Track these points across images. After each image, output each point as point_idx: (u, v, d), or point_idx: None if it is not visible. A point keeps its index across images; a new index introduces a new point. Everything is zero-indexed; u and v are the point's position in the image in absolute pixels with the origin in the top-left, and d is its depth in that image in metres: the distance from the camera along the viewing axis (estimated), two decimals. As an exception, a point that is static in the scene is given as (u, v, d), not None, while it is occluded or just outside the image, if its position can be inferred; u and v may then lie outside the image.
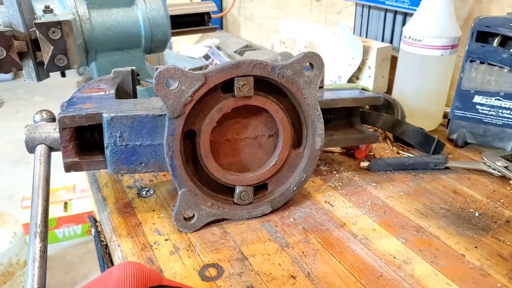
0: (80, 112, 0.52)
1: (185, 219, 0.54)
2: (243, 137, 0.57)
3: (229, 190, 0.57)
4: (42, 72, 0.71)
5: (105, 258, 0.58)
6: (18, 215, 1.90)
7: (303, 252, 0.52)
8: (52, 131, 0.52)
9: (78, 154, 0.53)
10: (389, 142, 0.79)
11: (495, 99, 0.72)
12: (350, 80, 1.02)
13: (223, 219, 0.57)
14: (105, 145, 0.52)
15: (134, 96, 0.66)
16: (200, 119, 0.53)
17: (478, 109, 0.74)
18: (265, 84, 0.54)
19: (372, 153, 0.75)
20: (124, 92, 0.64)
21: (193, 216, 0.54)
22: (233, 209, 0.57)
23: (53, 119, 0.57)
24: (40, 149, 0.51)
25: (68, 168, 0.53)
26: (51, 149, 0.53)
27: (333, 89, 0.77)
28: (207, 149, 0.54)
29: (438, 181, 0.67)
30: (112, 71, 0.63)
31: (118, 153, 0.53)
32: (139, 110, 0.53)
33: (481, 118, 0.75)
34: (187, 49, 1.49)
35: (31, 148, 0.52)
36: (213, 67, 0.51)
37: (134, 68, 0.65)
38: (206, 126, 0.53)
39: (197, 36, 1.62)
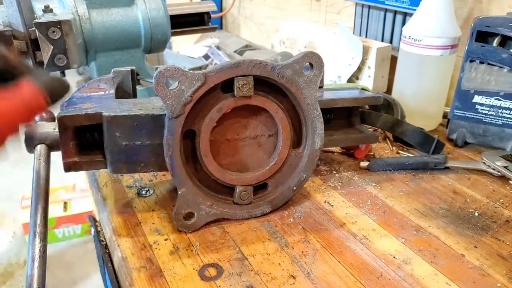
0: (80, 112, 0.52)
1: (185, 218, 0.54)
2: (243, 137, 0.57)
3: (229, 190, 0.57)
4: (41, 72, 0.71)
5: (105, 258, 0.58)
6: (18, 215, 1.90)
7: (302, 252, 0.52)
8: (51, 131, 0.52)
9: (77, 154, 0.53)
10: (388, 142, 0.79)
11: (495, 99, 0.72)
12: (350, 80, 1.02)
13: (223, 219, 0.57)
14: (105, 145, 0.52)
15: (134, 96, 0.66)
16: (200, 119, 0.53)
17: (478, 109, 0.74)
18: (265, 84, 0.54)
19: (371, 153, 0.75)
20: (124, 92, 0.64)
21: (193, 216, 0.54)
22: (233, 209, 0.57)
23: (52, 119, 0.57)
24: (40, 149, 0.51)
25: (68, 168, 0.53)
26: (50, 148, 0.53)
27: (333, 89, 0.77)
28: (207, 149, 0.54)
29: (438, 181, 0.67)
30: (112, 71, 0.63)
31: (118, 153, 0.53)
32: (139, 110, 0.53)
33: (481, 118, 0.75)
34: (187, 49, 1.49)
35: (30, 148, 0.52)
36: (213, 67, 0.51)
37: (133, 67, 0.65)
38: (206, 126, 0.53)
39: (196, 36, 1.62)
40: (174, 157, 0.51)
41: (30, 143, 0.51)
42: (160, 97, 0.49)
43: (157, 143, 0.53)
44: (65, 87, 0.44)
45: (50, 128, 0.53)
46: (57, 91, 0.42)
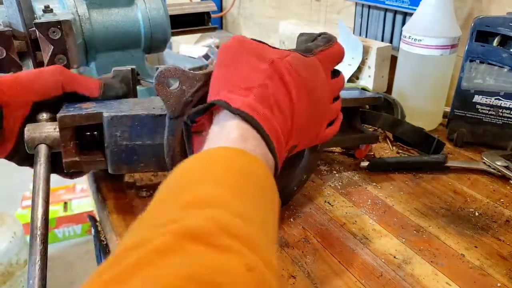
0: (80, 111, 0.52)
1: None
2: None
3: None
4: (42, 72, 0.70)
5: (106, 258, 0.58)
6: (18, 215, 1.90)
7: (303, 252, 0.52)
8: (52, 131, 0.52)
9: (78, 153, 0.53)
10: (389, 142, 0.79)
11: (495, 99, 0.72)
12: (350, 80, 1.02)
13: (223, 219, 0.57)
14: (105, 145, 0.52)
15: (135, 95, 0.66)
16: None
17: (478, 108, 0.74)
18: None
19: (372, 153, 0.75)
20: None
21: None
22: None
23: (52, 119, 0.57)
24: (40, 149, 0.51)
25: (68, 167, 0.53)
26: (51, 148, 0.53)
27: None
28: None
29: (438, 180, 0.67)
30: (112, 70, 0.63)
31: (118, 153, 0.53)
32: (139, 110, 0.53)
33: (481, 117, 0.75)
34: (187, 49, 1.49)
35: (31, 148, 0.52)
36: (214, 66, 0.51)
37: (134, 67, 0.64)
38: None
39: (197, 35, 1.62)
40: (175, 157, 0.51)
41: (31, 143, 0.52)
42: (161, 98, 0.48)
43: (158, 143, 0.53)
44: (118, 88, 0.59)
45: (50, 128, 0.53)
46: (110, 88, 0.58)
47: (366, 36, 1.10)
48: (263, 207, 0.31)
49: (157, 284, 0.20)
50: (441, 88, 0.82)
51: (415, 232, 0.55)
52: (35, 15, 0.71)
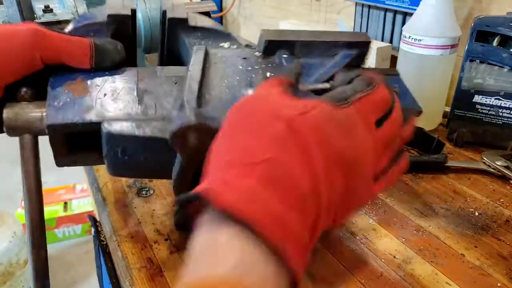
0: (73, 119, 0.44)
1: (186, 223, 0.53)
2: None
3: None
4: (42, 72, 0.70)
5: (106, 258, 0.58)
6: (18, 215, 1.90)
7: (303, 252, 0.52)
8: (37, 120, 0.45)
9: (70, 153, 0.47)
10: (389, 142, 0.79)
11: (495, 99, 0.72)
12: (350, 80, 1.02)
13: (223, 219, 0.57)
14: (103, 154, 0.46)
15: (133, 47, 0.56)
16: None
17: (478, 108, 0.74)
18: None
19: (372, 153, 0.75)
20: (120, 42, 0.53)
21: (194, 222, 0.53)
22: None
23: (36, 96, 0.47)
24: (26, 141, 0.45)
25: (60, 164, 0.48)
26: (37, 136, 0.45)
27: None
28: None
29: (438, 180, 0.67)
30: (107, 14, 0.52)
31: (118, 164, 0.47)
32: (144, 123, 0.44)
33: (481, 117, 0.75)
34: (187, 48, 1.49)
35: (13, 135, 0.45)
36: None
37: (134, 7, 0.54)
38: None
39: (196, 36, 1.62)
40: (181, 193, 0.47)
41: (13, 132, 0.45)
42: (177, 151, 0.43)
43: (164, 159, 0.46)
44: (115, 54, 0.48)
45: (35, 115, 0.45)
46: (104, 55, 0.46)
47: (366, 36, 1.10)
48: None
49: None
50: (441, 88, 0.82)
51: (415, 232, 0.55)
52: (35, 15, 0.71)
